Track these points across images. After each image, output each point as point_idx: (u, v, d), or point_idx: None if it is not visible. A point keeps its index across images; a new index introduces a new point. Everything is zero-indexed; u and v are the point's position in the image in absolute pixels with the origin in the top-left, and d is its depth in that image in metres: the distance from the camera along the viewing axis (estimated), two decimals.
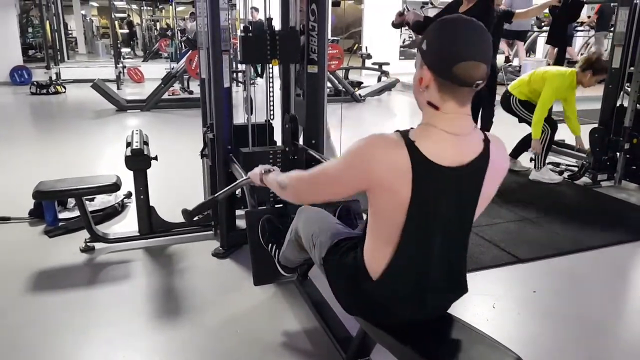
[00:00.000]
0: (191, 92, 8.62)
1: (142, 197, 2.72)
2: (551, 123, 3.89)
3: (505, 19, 4.32)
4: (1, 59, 9.50)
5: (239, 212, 2.82)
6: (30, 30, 13.78)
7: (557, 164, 4.12)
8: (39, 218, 3.04)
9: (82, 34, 17.11)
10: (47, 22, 9.92)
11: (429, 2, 6.98)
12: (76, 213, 2.94)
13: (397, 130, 1.18)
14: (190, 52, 7.02)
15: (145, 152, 2.63)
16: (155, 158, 2.72)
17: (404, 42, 12.96)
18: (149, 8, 18.49)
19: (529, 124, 3.88)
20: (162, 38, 13.27)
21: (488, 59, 1.10)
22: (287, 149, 2.66)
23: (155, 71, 10.11)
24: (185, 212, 1.76)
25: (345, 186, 1.22)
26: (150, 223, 2.77)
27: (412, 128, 1.18)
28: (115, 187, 2.64)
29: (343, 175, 1.20)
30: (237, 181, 1.66)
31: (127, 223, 3.08)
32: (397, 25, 3.63)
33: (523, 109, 3.90)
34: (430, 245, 1.21)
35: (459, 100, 1.13)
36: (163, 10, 18.14)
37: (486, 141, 1.18)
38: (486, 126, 4.09)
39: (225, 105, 2.55)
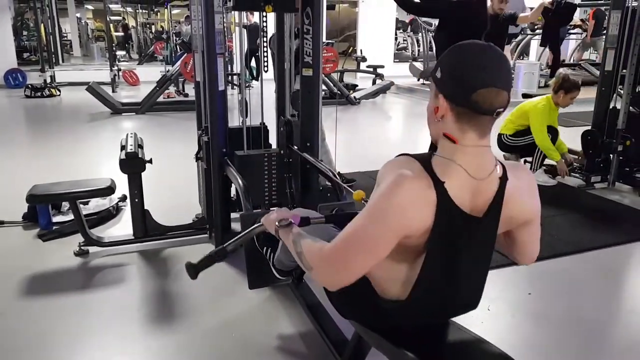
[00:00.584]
0: (186, 95, 8.61)
1: (136, 200, 2.71)
2: (551, 130, 3.98)
3: (511, 22, 4.36)
4: None
5: (234, 215, 2.82)
6: (25, 33, 13.73)
7: (550, 166, 4.14)
8: (32, 222, 3.02)
9: (77, 37, 17.06)
10: (42, 25, 9.90)
11: None
12: (70, 217, 2.92)
13: (416, 158, 1.09)
14: (185, 55, 7.01)
15: (140, 155, 2.62)
16: (150, 161, 2.71)
17: (398, 45, 13.01)
18: (144, 11, 18.47)
19: (526, 147, 3.99)
20: (157, 41, 13.26)
21: (509, 87, 1.04)
22: (282, 152, 2.66)
23: (150, 74, 10.08)
24: (189, 267, 1.45)
25: (383, 246, 1.06)
26: (145, 226, 2.76)
27: (432, 154, 1.11)
28: (109, 190, 2.63)
29: (377, 235, 1.05)
30: (249, 229, 1.45)
31: (122, 226, 3.07)
32: None
33: (516, 138, 4.05)
34: (454, 273, 1.17)
35: (478, 130, 1.05)
36: (158, 14, 18.14)
37: (503, 179, 1.11)
38: None
39: (220, 108, 2.55)
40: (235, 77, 7.86)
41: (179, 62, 7.18)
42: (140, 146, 2.79)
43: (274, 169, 2.70)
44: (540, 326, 2.11)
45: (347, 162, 4.03)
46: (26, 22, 13.89)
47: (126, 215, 3.19)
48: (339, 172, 3.49)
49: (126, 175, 2.66)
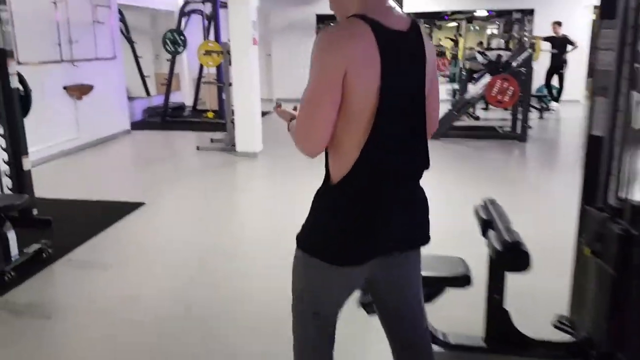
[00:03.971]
0: (477, 118, 7.80)
1: (496, 296, 2.02)
2: None
3: None
4: None
5: None
6: None
7: None
8: None
9: None
10: None
11: None
12: None
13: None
14: (490, 77, 6.20)
15: (522, 248, 1.87)
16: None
17: None
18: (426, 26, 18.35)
19: None
20: (441, 57, 12.97)
21: None
22: None
23: None
24: None
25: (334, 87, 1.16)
26: (502, 331, 2.04)
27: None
28: (466, 280, 1.99)
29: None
30: None
31: (463, 316, 2.40)
32: None
33: None
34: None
35: None
36: (441, 27, 17.79)
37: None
38: None
39: None
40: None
41: (482, 83, 6.40)
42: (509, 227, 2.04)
43: None
44: None
45: None
46: None
47: (460, 296, 2.53)
48: None
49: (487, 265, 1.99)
